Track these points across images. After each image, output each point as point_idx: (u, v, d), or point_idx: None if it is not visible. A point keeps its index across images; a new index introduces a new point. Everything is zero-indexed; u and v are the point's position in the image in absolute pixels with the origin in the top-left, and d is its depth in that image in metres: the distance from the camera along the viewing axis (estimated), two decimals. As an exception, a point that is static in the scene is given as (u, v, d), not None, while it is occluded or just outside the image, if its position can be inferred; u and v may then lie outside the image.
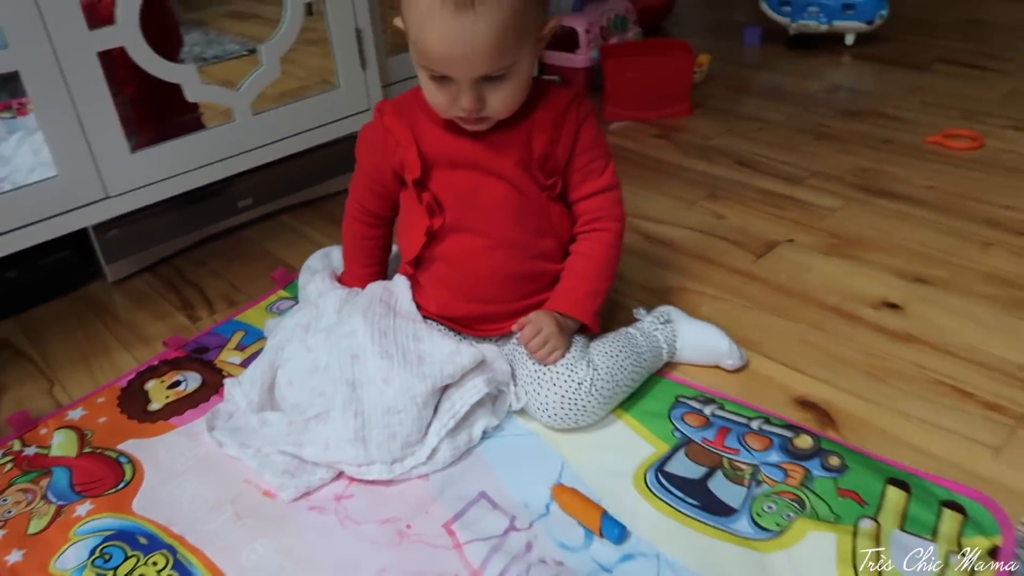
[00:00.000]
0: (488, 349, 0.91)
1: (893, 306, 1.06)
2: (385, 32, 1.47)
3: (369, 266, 1.02)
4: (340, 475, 0.86)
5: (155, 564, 0.78)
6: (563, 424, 0.87)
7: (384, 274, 1.03)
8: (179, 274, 1.29)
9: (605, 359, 0.89)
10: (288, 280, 1.22)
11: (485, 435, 0.89)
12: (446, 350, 0.88)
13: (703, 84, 1.84)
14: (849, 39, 1.99)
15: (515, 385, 0.91)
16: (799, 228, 1.26)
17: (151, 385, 1.03)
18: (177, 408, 0.98)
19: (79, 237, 1.23)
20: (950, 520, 0.75)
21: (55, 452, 0.93)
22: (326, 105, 1.38)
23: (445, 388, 0.87)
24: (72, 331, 1.17)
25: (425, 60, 0.80)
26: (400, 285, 0.96)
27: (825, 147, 1.52)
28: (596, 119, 0.91)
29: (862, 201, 1.32)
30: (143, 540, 0.81)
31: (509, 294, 0.93)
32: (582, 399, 0.86)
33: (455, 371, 0.86)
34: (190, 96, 1.23)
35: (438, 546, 0.77)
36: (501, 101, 0.82)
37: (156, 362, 1.07)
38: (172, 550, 0.79)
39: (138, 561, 0.78)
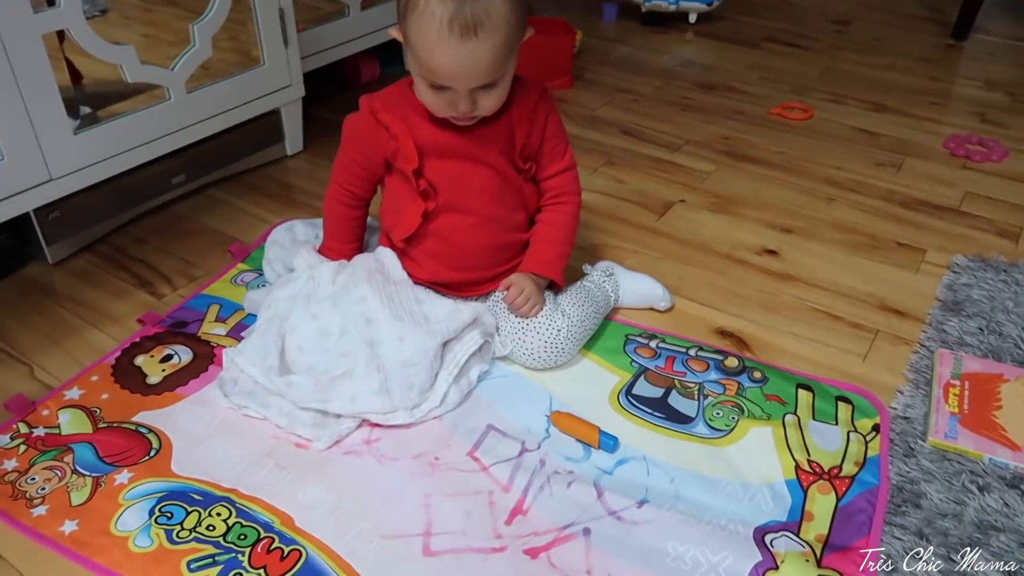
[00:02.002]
0: (477, 306, 1.06)
1: (772, 252, 1.33)
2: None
3: (351, 242, 1.13)
4: (362, 423, 0.98)
5: (219, 514, 0.87)
6: (544, 365, 1.05)
7: (362, 248, 1.14)
8: (121, 252, 1.31)
9: (574, 308, 1.07)
10: (245, 253, 1.28)
11: (479, 379, 1.04)
12: (447, 309, 1.02)
13: (577, 57, 2.04)
14: (692, 18, 2.26)
15: (499, 335, 1.07)
16: (686, 190, 1.50)
17: (141, 360, 1.08)
18: (180, 379, 1.05)
19: (13, 220, 1.22)
20: (844, 410, 1.01)
21: (67, 430, 0.98)
22: (252, 81, 1.43)
23: (446, 342, 1.02)
24: (25, 314, 1.17)
25: (430, 75, 0.91)
26: (387, 256, 1.08)
27: (691, 118, 1.78)
28: (558, 110, 1.07)
29: (730, 166, 1.59)
30: (197, 497, 0.89)
31: (490, 262, 1.08)
32: (560, 343, 1.04)
33: (458, 327, 1.01)
34: (129, 77, 1.24)
35: (468, 471, 0.93)
36: (491, 103, 0.96)
37: (138, 339, 1.11)
38: (230, 501, 0.89)
39: (201, 514, 0.87)
